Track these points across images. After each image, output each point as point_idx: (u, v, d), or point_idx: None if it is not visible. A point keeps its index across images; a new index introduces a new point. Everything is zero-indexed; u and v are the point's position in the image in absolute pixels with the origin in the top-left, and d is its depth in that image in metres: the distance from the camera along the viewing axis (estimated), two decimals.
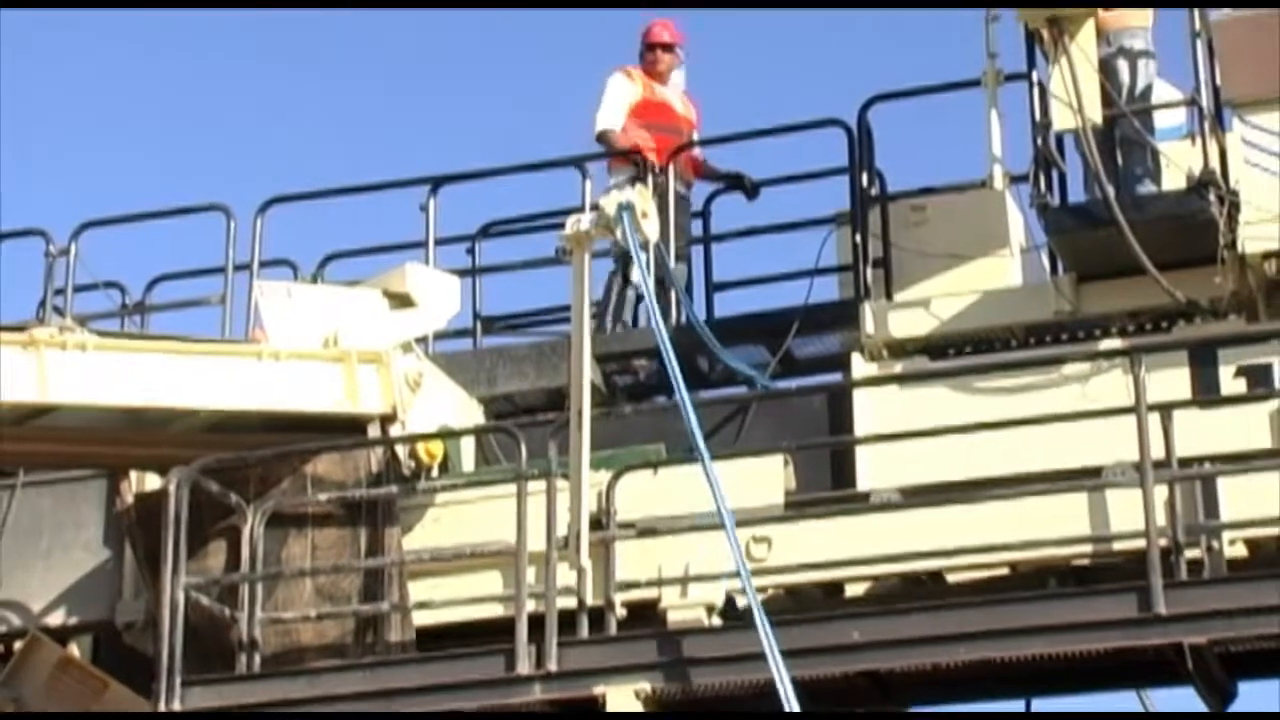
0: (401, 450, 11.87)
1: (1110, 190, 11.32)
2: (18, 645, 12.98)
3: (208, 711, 11.23)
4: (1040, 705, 13.06)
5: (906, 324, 12.11)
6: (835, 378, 12.79)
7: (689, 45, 14.48)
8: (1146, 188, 11.71)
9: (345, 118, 36.94)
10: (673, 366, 10.67)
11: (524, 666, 10.77)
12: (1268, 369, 10.98)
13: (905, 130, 13.34)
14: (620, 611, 11.01)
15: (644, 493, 11.05)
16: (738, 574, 10.92)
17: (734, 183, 14.08)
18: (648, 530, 11.07)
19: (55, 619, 12.99)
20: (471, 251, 13.81)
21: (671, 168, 13.53)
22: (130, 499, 12.43)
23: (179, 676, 11.21)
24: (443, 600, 11.52)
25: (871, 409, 11.69)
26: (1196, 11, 11.59)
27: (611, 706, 10.68)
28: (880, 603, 11.03)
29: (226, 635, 11.44)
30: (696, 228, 14.03)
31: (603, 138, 13.95)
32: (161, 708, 11.21)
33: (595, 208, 11.18)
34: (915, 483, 11.12)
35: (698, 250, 13.95)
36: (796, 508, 11.27)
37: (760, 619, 10.07)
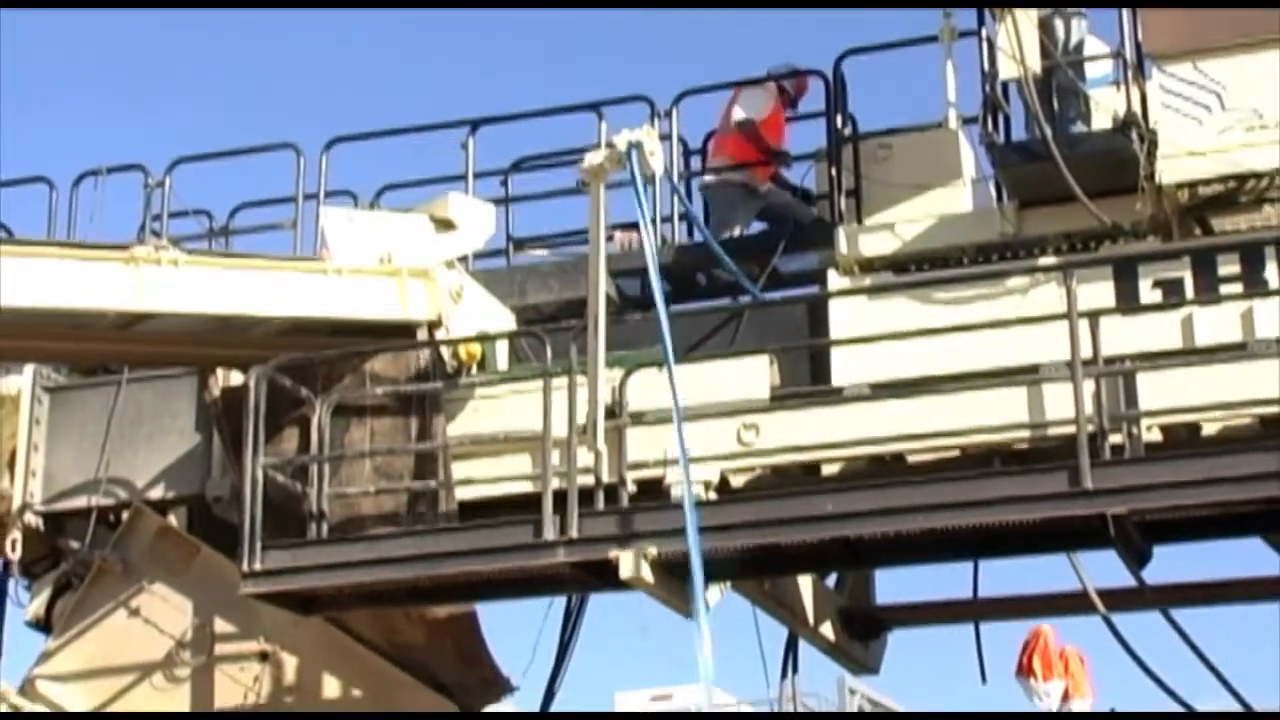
0: (446, 351, 11.87)
1: (1048, 130, 11.26)
2: (124, 516, 13.10)
3: (283, 568, 11.34)
4: (985, 566, 13.14)
5: (875, 244, 12.06)
6: (813, 290, 12.75)
7: None
8: (1078, 128, 11.63)
9: (399, 69, 36.96)
10: (658, 287, 10.74)
11: (549, 533, 10.81)
12: (1180, 281, 10.93)
13: (874, 79, 13.26)
14: (631, 487, 11.00)
15: (650, 387, 11.02)
16: (728, 456, 11.02)
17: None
18: (654, 419, 11.05)
19: (155, 494, 13.06)
20: (504, 183, 13.75)
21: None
22: (217, 392, 12.46)
23: (259, 541, 11.27)
24: (481, 478, 11.56)
25: (845, 316, 11.65)
26: None
27: (623, 568, 10.72)
28: (851, 480, 11.01)
29: (299, 507, 11.46)
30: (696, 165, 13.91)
31: (746, 124, 13.43)
32: (244, 568, 11.29)
33: (610, 145, 11.15)
34: (882, 379, 11.06)
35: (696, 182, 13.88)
36: (780, 400, 11.24)
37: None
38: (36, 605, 13.24)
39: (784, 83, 13.56)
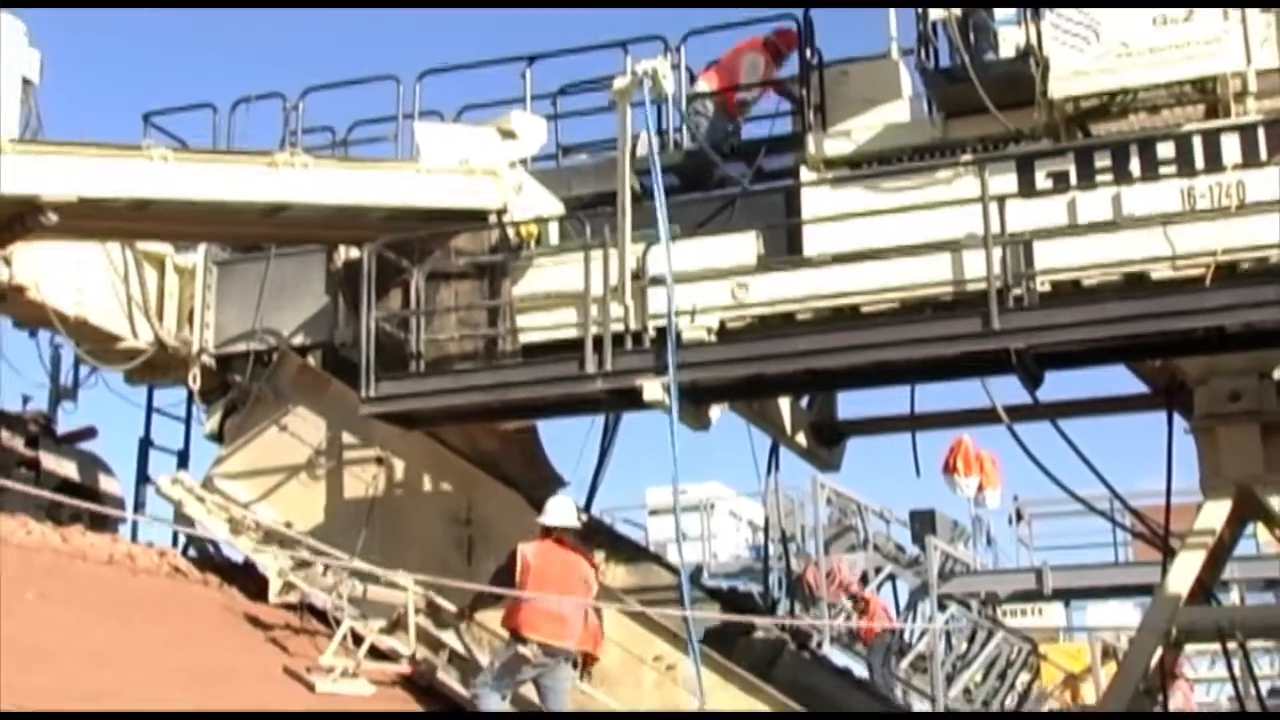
0: (510, 231, 11.82)
1: (967, 58, 11.08)
2: (274, 357, 13.14)
3: (392, 395, 11.33)
4: (919, 389, 13.09)
5: (836, 147, 11.87)
6: (789, 182, 12.57)
7: None
8: (990, 56, 11.43)
9: (477, 19, 36.55)
10: (659, 181, 10.83)
11: (590, 368, 10.85)
12: (1066, 173, 10.76)
13: (835, 21, 12.99)
14: (651, 333, 10.97)
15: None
16: (725, 308, 10.93)
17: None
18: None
19: (297, 340, 13.15)
20: (554, 103, 13.57)
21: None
22: (340, 264, 12.51)
23: (374, 375, 11.33)
24: (538, 326, 11.53)
25: (813, 202, 11.51)
26: None
27: (647, 393, 10.72)
28: (818, 325, 10.94)
29: (402, 350, 11.49)
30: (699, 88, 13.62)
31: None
32: (363, 395, 11.32)
33: (633, 74, 11.01)
34: (841, 249, 10.97)
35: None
36: (765, 265, 11.16)
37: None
38: (212, 423, 13.36)
39: (778, 43, 13.06)
